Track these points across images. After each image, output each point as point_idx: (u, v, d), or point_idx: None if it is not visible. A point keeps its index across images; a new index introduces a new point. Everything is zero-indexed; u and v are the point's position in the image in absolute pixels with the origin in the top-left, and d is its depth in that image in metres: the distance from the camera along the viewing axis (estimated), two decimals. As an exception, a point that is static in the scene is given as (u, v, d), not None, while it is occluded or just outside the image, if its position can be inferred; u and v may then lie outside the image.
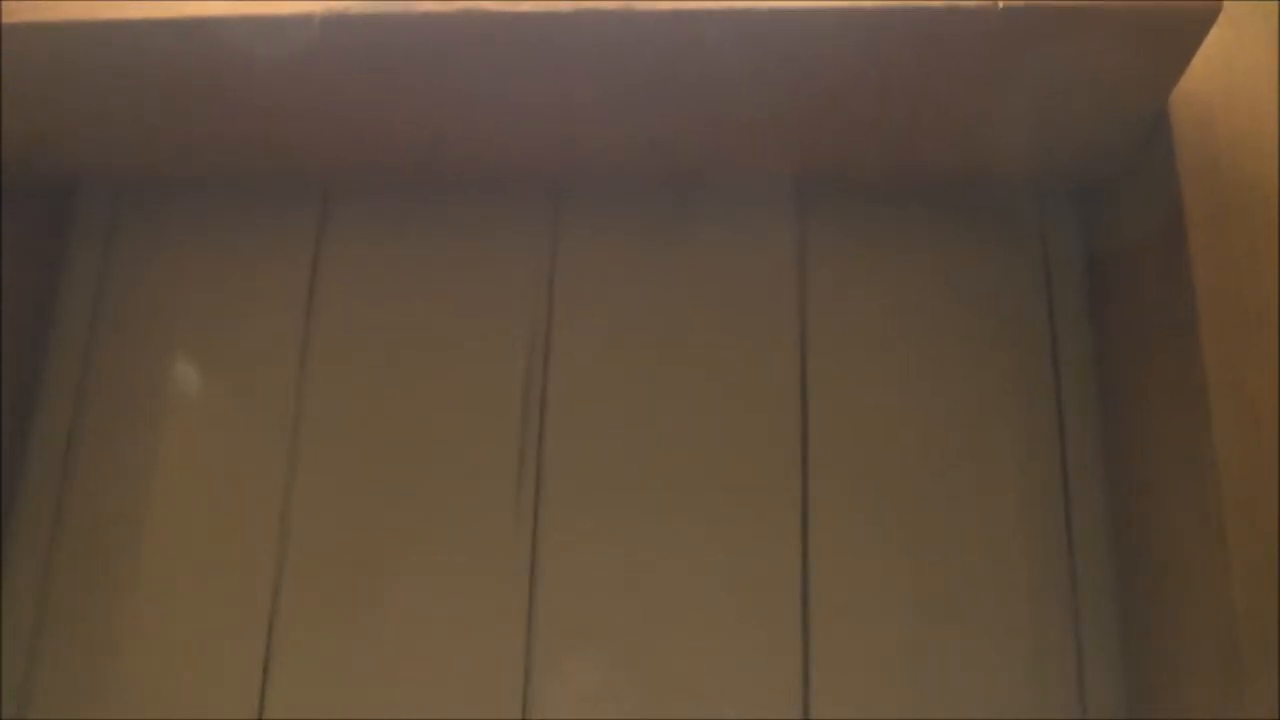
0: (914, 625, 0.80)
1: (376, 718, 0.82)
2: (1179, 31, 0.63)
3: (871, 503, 0.83)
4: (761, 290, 0.89)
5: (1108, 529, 0.81)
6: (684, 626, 0.82)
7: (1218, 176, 0.67)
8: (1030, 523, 0.82)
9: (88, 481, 0.90)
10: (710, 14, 0.64)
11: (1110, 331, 0.82)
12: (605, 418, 0.87)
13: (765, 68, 0.69)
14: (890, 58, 0.67)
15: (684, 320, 0.89)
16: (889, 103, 0.72)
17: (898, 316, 0.87)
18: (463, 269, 0.92)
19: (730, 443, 0.85)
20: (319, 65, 0.71)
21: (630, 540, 0.84)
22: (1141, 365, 0.75)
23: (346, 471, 0.88)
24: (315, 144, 0.83)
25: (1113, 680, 0.78)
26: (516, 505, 0.85)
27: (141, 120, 0.80)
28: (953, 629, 0.80)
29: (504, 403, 0.88)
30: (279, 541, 0.87)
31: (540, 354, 0.89)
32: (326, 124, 0.79)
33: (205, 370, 0.92)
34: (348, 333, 0.91)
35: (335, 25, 0.67)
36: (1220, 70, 0.70)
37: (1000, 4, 0.61)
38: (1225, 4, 0.66)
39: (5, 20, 0.68)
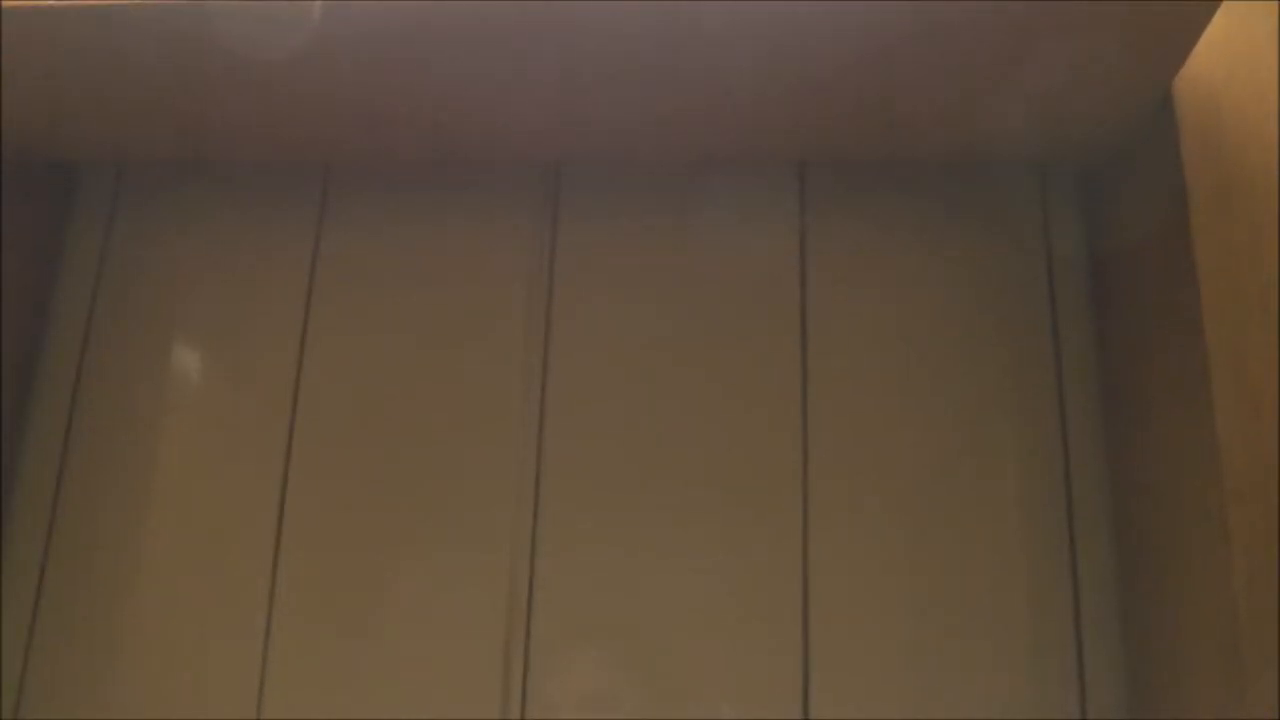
0: (914, 625, 0.80)
1: (374, 717, 0.81)
2: (1184, 15, 0.62)
3: (872, 501, 0.82)
4: (762, 281, 0.88)
5: (1109, 527, 0.80)
6: (683, 625, 0.81)
7: (1221, 161, 0.67)
8: (1031, 520, 0.81)
9: (85, 469, 0.90)
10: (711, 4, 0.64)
11: (1112, 317, 0.81)
12: (605, 411, 0.87)
13: (765, 53, 0.68)
14: (892, 41, 0.66)
15: (684, 313, 0.88)
16: (890, 86, 0.71)
17: (899, 305, 0.87)
18: (463, 256, 0.92)
19: (730, 438, 0.85)
20: (319, 50, 0.71)
21: (628, 536, 0.83)
22: (1143, 350, 0.74)
23: (344, 465, 0.88)
24: (315, 128, 0.83)
25: (1113, 680, 0.77)
26: (516, 502, 0.85)
27: (142, 106, 0.80)
28: (953, 628, 0.79)
29: (503, 396, 0.88)
30: (276, 537, 0.86)
31: (539, 345, 0.89)
32: (327, 108, 0.79)
33: (204, 358, 0.92)
34: (347, 321, 0.91)
35: (336, 10, 0.67)
36: (1224, 55, 0.69)
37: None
38: (1229, -12, 0.66)
39: (5, 3, 0.68)
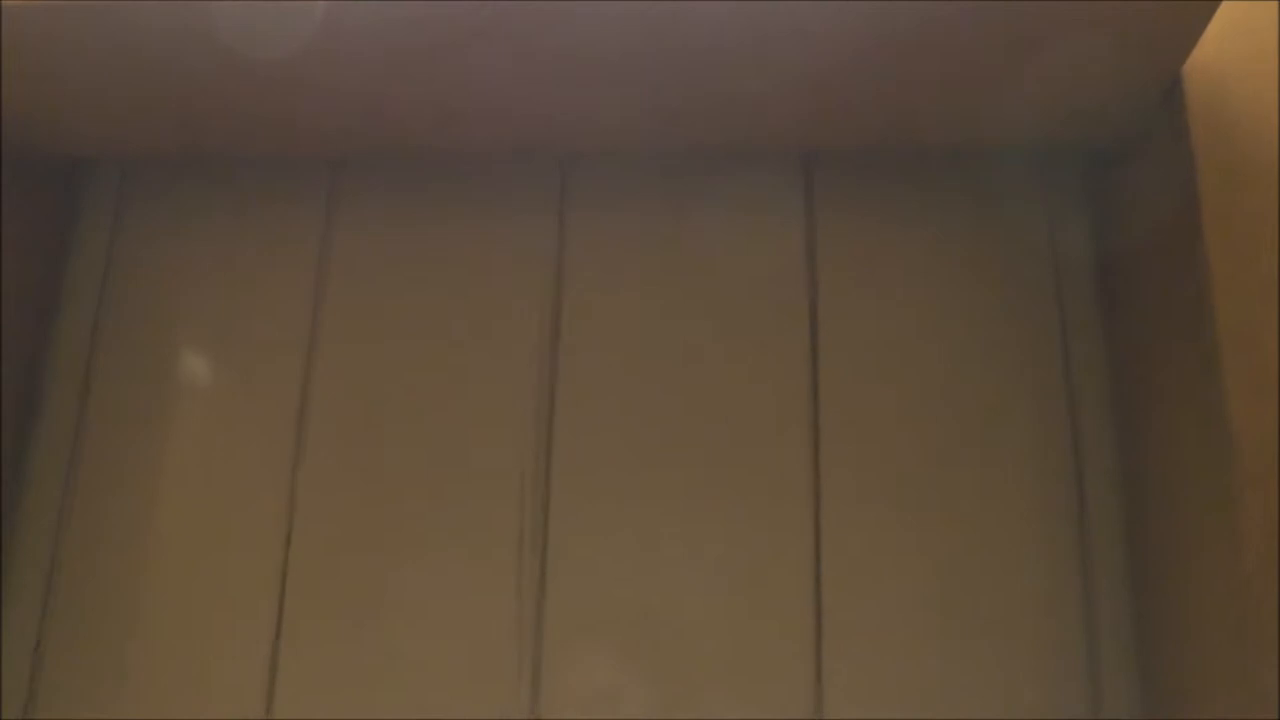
0: (927, 622, 0.79)
1: (384, 717, 0.82)
2: (1191, 3, 0.62)
3: (883, 495, 0.82)
4: (771, 273, 0.88)
5: (1120, 516, 0.80)
6: (694, 622, 0.81)
7: (1232, 148, 0.66)
8: (1041, 512, 0.81)
9: (93, 468, 0.90)
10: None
11: (1121, 306, 0.81)
12: (614, 406, 0.86)
13: (770, 44, 0.68)
14: (897, 32, 0.66)
15: (692, 307, 0.88)
16: (895, 77, 0.71)
17: (906, 293, 0.86)
18: (471, 252, 0.92)
19: (740, 433, 0.85)
20: (326, 44, 0.71)
21: (638, 532, 0.83)
22: (1153, 339, 0.74)
23: (352, 462, 0.88)
24: (323, 123, 0.83)
25: (1128, 678, 0.77)
26: (525, 498, 0.85)
27: (147, 99, 0.79)
28: (965, 623, 0.79)
29: (512, 392, 0.88)
30: (286, 533, 0.86)
31: (549, 340, 0.89)
32: (334, 103, 0.79)
33: (212, 356, 0.92)
34: (356, 316, 0.91)
35: (341, 5, 0.67)
36: (1234, 39, 0.69)
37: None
38: (1239, -28, 0.66)
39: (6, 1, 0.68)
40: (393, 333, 0.90)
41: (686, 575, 0.82)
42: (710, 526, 0.83)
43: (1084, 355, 0.84)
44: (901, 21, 0.65)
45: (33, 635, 0.87)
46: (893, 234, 0.88)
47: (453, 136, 0.85)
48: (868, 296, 0.87)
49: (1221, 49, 0.69)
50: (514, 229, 0.92)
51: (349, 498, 0.87)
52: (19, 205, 0.89)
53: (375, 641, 0.83)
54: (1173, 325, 0.71)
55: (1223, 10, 0.68)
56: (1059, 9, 0.63)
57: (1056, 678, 0.78)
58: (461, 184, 0.93)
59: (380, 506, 0.86)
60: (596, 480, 0.85)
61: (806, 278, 0.88)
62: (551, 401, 0.87)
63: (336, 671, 0.83)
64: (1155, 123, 0.73)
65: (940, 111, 0.76)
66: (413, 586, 0.84)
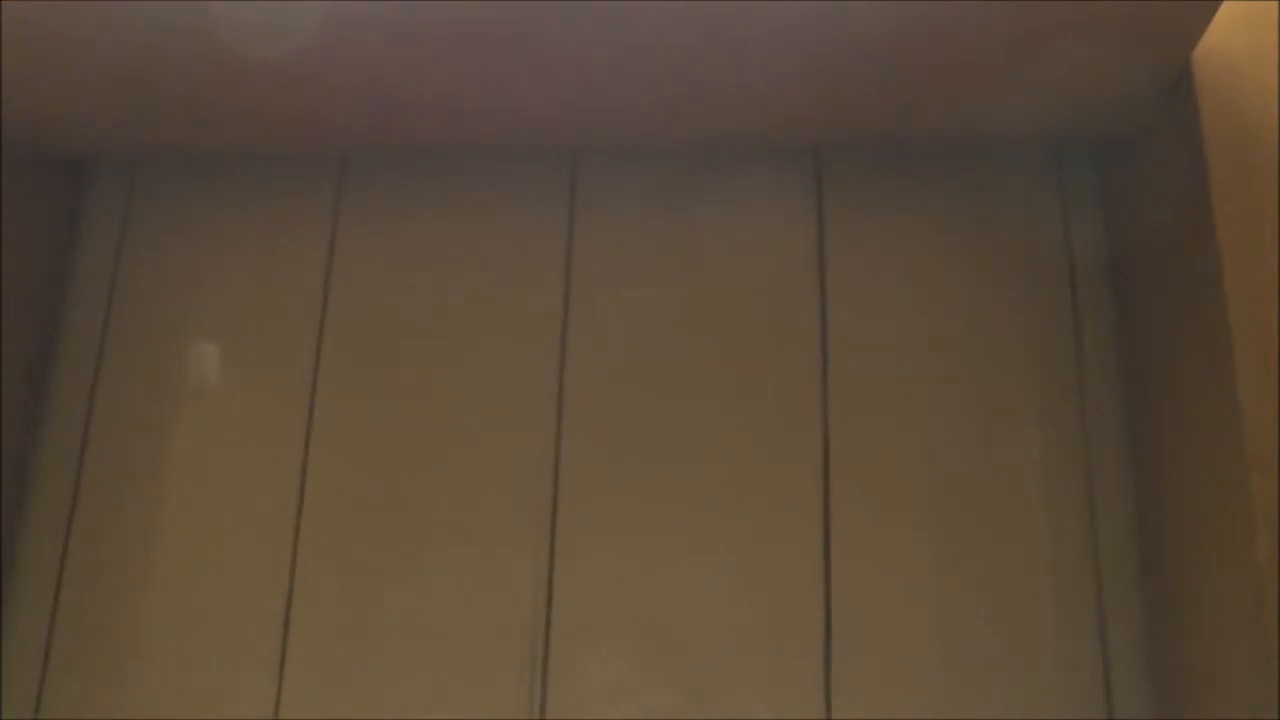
0: (936, 619, 0.79)
1: (391, 718, 0.81)
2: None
3: (893, 491, 0.82)
4: (781, 268, 0.88)
5: (1132, 507, 0.79)
6: (704, 621, 0.81)
7: (1242, 133, 0.66)
8: (1053, 505, 0.80)
9: (102, 466, 0.90)
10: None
11: (1133, 294, 0.81)
12: (624, 403, 0.86)
13: (779, 36, 0.68)
14: (906, 23, 0.65)
15: (702, 304, 0.88)
16: (904, 67, 0.71)
17: (917, 284, 0.86)
18: (480, 243, 0.92)
19: (750, 431, 0.84)
20: (333, 36, 0.70)
21: (648, 531, 0.83)
22: (1165, 325, 0.74)
23: (361, 461, 0.87)
24: (331, 118, 0.82)
25: (1139, 678, 0.76)
26: (535, 498, 0.85)
27: (150, 98, 0.79)
28: (975, 626, 0.78)
29: (522, 388, 0.87)
30: (294, 530, 0.86)
31: (557, 336, 0.88)
32: (342, 97, 0.79)
33: (221, 352, 0.92)
34: (364, 312, 0.91)
35: (345, 3, 0.67)
36: (1244, 25, 0.68)
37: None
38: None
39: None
40: (400, 332, 0.90)
41: (695, 575, 0.82)
42: (719, 525, 0.83)
43: (1096, 342, 0.83)
44: (909, 16, 0.65)
45: (41, 637, 0.86)
46: (902, 227, 0.88)
47: (461, 131, 0.84)
48: (878, 289, 0.86)
49: (1231, 34, 0.68)
50: (523, 224, 0.92)
51: (356, 498, 0.87)
52: (23, 204, 0.89)
53: (382, 642, 0.83)
54: (1185, 309, 0.70)
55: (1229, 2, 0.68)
56: (1065, 4, 0.63)
57: (1069, 679, 0.77)
58: (471, 180, 0.93)
59: (387, 508, 0.86)
60: (606, 479, 0.85)
61: (816, 272, 0.87)
62: (560, 400, 0.87)
63: (342, 671, 0.83)
64: (1164, 113, 0.73)
65: (949, 104, 0.76)
66: (420, 586, 0.84)
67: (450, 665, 0.82)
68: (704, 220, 0.90)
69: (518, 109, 0.80)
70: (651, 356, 0.87)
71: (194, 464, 0.89)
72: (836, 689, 0.78)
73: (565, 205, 0.92)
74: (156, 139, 0.88)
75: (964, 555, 0.80)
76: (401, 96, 0.78)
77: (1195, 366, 0.69)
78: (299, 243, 0.93)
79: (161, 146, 0.90)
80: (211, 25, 0.70)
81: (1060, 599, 0.79)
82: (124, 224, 0.96)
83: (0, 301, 0.85)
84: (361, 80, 0.76)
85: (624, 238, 0.90)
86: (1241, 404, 0.62)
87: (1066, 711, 0.76)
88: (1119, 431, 0.81)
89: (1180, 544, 0.71)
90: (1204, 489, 0.68)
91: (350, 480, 0.87)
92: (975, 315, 0.85)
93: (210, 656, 0.84)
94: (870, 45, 0.69)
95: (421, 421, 0.88)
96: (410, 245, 0.92)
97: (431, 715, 0.81)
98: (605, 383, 0.87)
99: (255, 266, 0.93)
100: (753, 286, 0.88)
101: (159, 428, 0.90)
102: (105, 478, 0.90)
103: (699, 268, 0.89)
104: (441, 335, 0.90)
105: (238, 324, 0.92)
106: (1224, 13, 0.68)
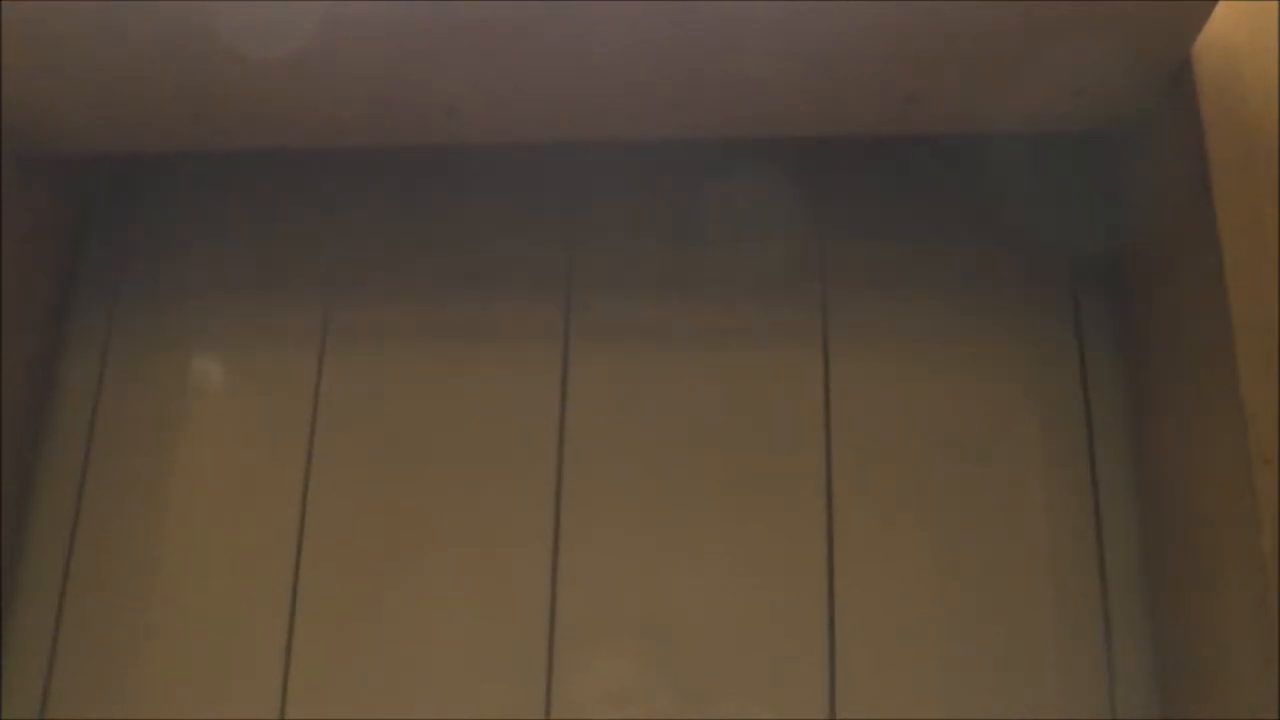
0: (939, 623, 0.78)
1: (398, 717, 0.81)
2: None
3: (895, 491, 0.82)
4: (781, 279, 0.88)
5: (1135, 503, 0.79)
6: (707, 624, 0.81)
7: (1243, 124, 0.66)
8: (1056, 504, 0.80)
9: (106, 472, 0.90)
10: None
11: (1134, 287, 0.80)
12: (628, 419, 0.86)
13: (779, 30, 0.68)
14: (908, 18, 0.65)
15: (700, 319, 0.88)
16: (907, 60, 0.70)
17: (918, 287, 0.86)
18: (481, 242, 0.92)
19: (754, 439, 0.84)
20: (334, 35, 0.71)
21: (652, 539, 0.83)
22: (1167, 319, 0.74)
23: (365, 469, 0.87)
24: (331, 114, 0.82)
25: (1143, 678, 0.76)
26: (539, 504, 0.85)
27: (154, 94, 0.79)
28: (979, 625, 0.78)
29: (527, 405, 0.87)
30: (298, 537, 0.86)
31: (561, 346, 0.88)
32: (342, 94, 0.78)
33: (223, 357, 0.92)
34: (369, 321, 0.91)
35: (347, 3, 0.67)
36: (1244, 19, 0.68)
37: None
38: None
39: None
40: (404, 331, 0.90)
41: (698, 577, 0.81)
42: (722, 529, 0.82)
43: (1096, 339, 0.83)
44: (912, 9, 0.65)
45: (47, 642, 0.86)
46: (901, 228, 0.88)
47: (458, 131, 0.84)
48: (879, 292, 0.86)
49: (1231, 25, 0.68)
50: (524, 217, 0.92)
51: (361, 503, 0.86)
52: (24, 202, 0.89)
53: (386, 646, 0.83)
54: (1186, 307, 0.70)
55: (1231, -9, 0.67)
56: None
57: (1072, 678, 0.76)
58: (471, 178, 0.93)
59: (391, 511, 0.86)
60: (610, 497, 0.84)
61: (818, 277, 0.87)
62: (563, 407, 0.87)
63: (347, 674, 0.82)
64: (1165, 105, 0.73)
65: (949, 98, 0.76)
66: (425, 588, 0.84)
67: (457, 672, 0.82)
68: (704, 238, 0.89)
69: (514, 108, 0.80)
70: (655, 371, 0.87)
71: (199, 467, 0.89)
72: (840, 690, 0.78)
73: (566, 206, 0.92)
74: (158, 138, 0.88)
75: (967, 556, 0.80)
76: (402, 95, 0.78)
77: (1197, 361, 0.68)
78: (301, 252, 0.93)
79: (162, 145, 0.90)
80: (213, 25, 0.70)
81: (1064, 598, 0.78)
82: (125, 223, 0.96)
83: (1, 301, 0.85)
84: (362, 79, 0.76)
85: (624, 238, 0.90)
86: (1244, 398, 0.61)
87: (1071, 711, 0.76)
88: (1121, 428, 0.81)
89: (1184, 540, 0.71)
90: (1207, 484, 0.67)
91: (353, 491, 0.87)
92: (974, 308, 0.85)
93: (216, 661, 0.84)
94: (873, 38, 0.68)
95: (425, 435, 0.87)
96: (409, 238, 0.92)
97: (437, 716, 0.81)
98: (609, 397, 0.87)
99: (255, 266, 0.93)
100: (755, 298, 0.87)
101: (162, 431, 0.90)
102: (110, 486, 0.89)
103: (699, 283, 0.88)
104: (444, 337, 0.90)
105: (240, 324, 0.92)
106: (1223, 6, 0.68)
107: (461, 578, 0.83)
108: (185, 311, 0.93)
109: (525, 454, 0.86)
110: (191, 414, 0.90)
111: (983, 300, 0.85)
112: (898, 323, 0.85)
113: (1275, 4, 0.68)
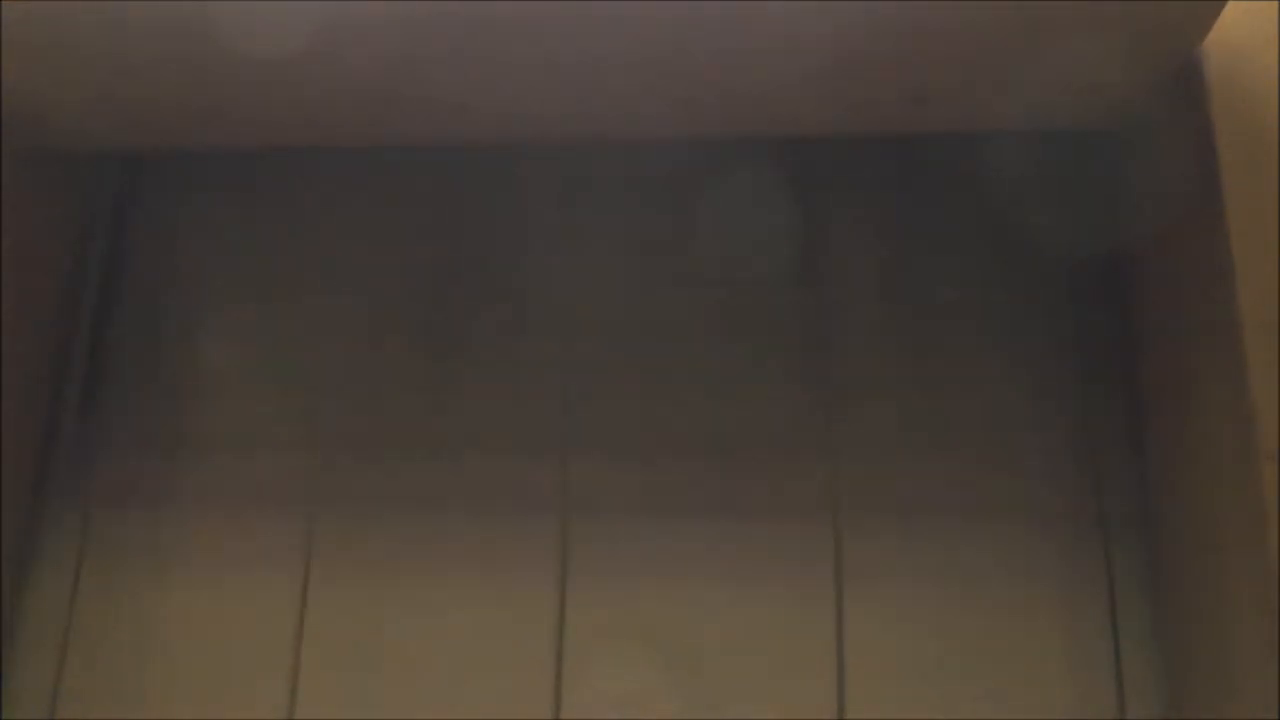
0: (946, 625, 0.78)
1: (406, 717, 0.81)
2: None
3: (902, 500, 0.82)
4: (772, 275, 0.88)
5: (1141, 520, 0.79)
6: (713, 626, 0.81)
7: (1252, 122, 0.66)
8: (1061, 499, 0.80)
9: (111, 465, 0.90)
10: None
11: (1140, 288, 0.80)
12: (628, 408, 0.86)
13: (786, 25, 0.68)
14: (914, 13, 0.65)
15: (697, 315, 0.88)
16: (911, 59, 0.70)
17: (922, 287, 0.86)
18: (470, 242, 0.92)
19: (753, 438, 0.84)
20: (335, 34, 0.70)
21: (657, 548, 0.83)
22: (1174, 313, 0.74)
23: (372, 468, 0.87)
24: (333, 114, 0.82)
25: (1150, 677, 0.75)
26: (546, 501, 0.85)
27: (155, 93, 0.79)
28: (988, 622, 0.78)
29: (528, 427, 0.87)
30: (307, 538, 0.86)
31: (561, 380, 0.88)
32: (345, 92, 0.78)
33: (223, 357, 0.92)
34: (368, 315, 0.91)
35: (349, 3, 0.67)
36: (1252, 18, 0.68)
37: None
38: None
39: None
40: (408, 335, 0.90)
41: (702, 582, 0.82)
42: (726, 531, 0.82)
43: (1100, 335, 0.83)
44: (921, 9, 0.65)
45: (59, 635, 0.86)
46: (905, 226, 0.88)
47: (463, 132, 0.84)
48: (878, 284, 0.87)
49: (1239, 31, 0.68)
50: (524, 211, 0.92)
51: (367, 507, 0.86)
52: (25, 201, 0.89)
53: (396, 647, 0.83)
54: (1193, 304, 0.70)
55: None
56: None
57: (1078, 676, 0.76)
58: (469, 179, 0.93)
59: (399, 511, 0.86)
60: (616, 514, 0.84)
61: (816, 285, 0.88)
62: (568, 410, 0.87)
63: (356, 681, 0.82)
64: (1173, 104, 0.73)
65: (954, 97, 0.76)
66: (432, 595, 0.84)
67: (464, 672, 0.82)
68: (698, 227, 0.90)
69: (519, 107, 0.79)
70: (653, 370, 0.87)
71: (203, 482, 0.89)
72: (849, 691, 0.78)
73: (562, 203, 0.92)
74: (157, 136, 0.88)
75: (974, 555, 0.80)
76: (405, 95, 0.78)
77: (1202, 358, 0.68)
78: (301, 242, 0.93)
79: (162, 144, 0.90)
80: (214, 23, 0.70)
81: (1069, 597, 0.78)
82: (126, 222, 0.96)
83: (2, 300, 0.85)
84: (364, 78, 0.76)
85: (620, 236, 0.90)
86: (1251, 395, 0.61)
87: (1077, 711, 0.76)
88: (1125, 425, 0.81)
89: (1190, 538, 0.71)
90: (1214, 481, 0.67)
91: (360, 493, 0.87)
92: (977, 310, 0.85)
93: (222, 665, 0.84)
94: (878, 37, 0.68)
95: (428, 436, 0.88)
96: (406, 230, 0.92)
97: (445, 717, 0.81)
98: (609, 393, 0.87)
99: (257, 265, 0.93)
100: (748, 301, 0.88)
101: (165, 436, 0.90)
102: (117, 498, 0.89)
103: (692, 279, 0.89)
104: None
105: (239, 326, 0.92)
106: (1233, 6, 0.68)
107: (472, 578, 0.83)
108: (185, 304, 0.93)
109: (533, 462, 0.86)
110: (192, 415, 0.90)
111: (983, 297, 0.85)
112: (895, 323, 0.86)
113: (1281, 3, 0.68)
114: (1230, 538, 0.65)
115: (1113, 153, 0.85)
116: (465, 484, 0.86)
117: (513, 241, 0.91)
